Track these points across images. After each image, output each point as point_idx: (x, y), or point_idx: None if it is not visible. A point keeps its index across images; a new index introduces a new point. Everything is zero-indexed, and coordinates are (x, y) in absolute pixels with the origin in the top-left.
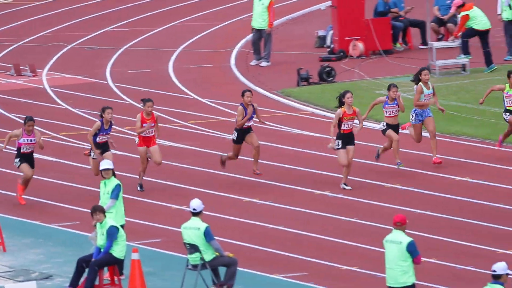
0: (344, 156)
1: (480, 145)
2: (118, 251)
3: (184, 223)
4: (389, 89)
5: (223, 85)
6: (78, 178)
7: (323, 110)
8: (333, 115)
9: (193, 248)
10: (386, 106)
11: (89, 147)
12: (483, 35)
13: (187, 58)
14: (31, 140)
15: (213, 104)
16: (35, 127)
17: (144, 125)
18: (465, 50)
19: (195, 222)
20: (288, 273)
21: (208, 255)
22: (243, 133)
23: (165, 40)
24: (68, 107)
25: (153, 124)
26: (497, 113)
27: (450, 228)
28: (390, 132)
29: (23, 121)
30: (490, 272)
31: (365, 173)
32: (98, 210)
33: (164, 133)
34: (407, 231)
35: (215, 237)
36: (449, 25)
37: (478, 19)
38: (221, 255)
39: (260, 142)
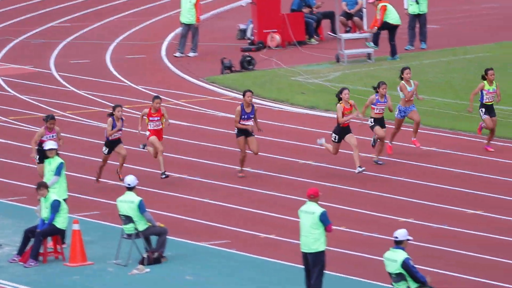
0: (336, 149)
1: (388, 125)
2: (60, 222)
3: (119, 197)
4: (378, 86)
5: (155, 73)
6: (25, 157)
7: None
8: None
9: (128, 219)
10: (378, 103)
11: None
12: (393, 29)
13: (122, 50)
14: (52, 136)
15: (146, 90)
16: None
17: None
18: (375, 40)
19: (130, 196)
20: (213, 241)
21: (141, 226)
22: (243, 131)
23: (103, 34)
24: (17, 94)
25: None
26: (398, 97)
27: (357, 198)
28: (377, 129)
29: (44, 120)
30: (393, 238)
31: (284, 152)
32: (42, 186)
33: (96, 117)
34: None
35: (147, 210)
36: (355, 18)
37: (392, 14)
38: (153, 225)
39: (189, 124)
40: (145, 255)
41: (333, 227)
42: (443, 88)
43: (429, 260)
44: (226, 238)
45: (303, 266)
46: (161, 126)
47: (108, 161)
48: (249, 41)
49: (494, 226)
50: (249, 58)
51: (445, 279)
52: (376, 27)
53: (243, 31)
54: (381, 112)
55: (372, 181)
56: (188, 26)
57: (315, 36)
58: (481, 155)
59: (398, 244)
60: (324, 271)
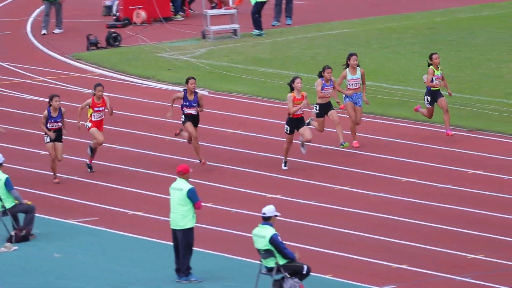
0: (290, 140)
1: (249, 101)
2: None
3: None
4: (323, 70)
5: (20, 50)
6: None
7: (110, 72)
8: (119, 76)
9: None
10: (324, 87)
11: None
12: (262, 5)
13: None
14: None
15: (11, 68)
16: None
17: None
18: (258, 25)
19: None
20: (81, 218)
21: (9, 203)
22: (188, 117)
23: None
24: None
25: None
26: (265, 73)
27: (225, 175)
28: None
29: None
30: (261, 215)
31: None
32: None
33: None
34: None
35: (14, 187)
36: None
37: None
38: (20, 203)
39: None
40: (12, 233)
41: (203, 204)
42: (308, 64)
43: (297, 236)
44: (94, 216)
45: (172, 243)
46: (104, 117)
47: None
48: (114, 17)
49: (364, 201)
50: (115, 35)
51: (313, 255)
52: (252, 12)
53: (109, 8)
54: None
55: (242, 159)
56: (50, 3)
57: (181, 13)
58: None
59: (266, 220)
60: (192, 248)
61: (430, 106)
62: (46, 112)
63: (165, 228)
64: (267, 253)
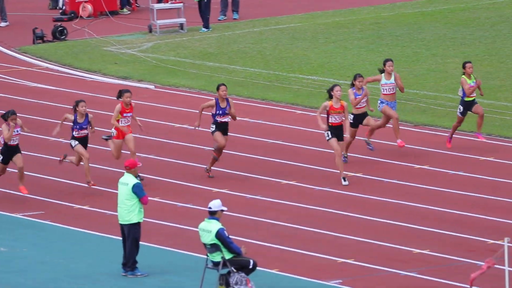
0: (336, 144)
1: (196, 95)
2: None
3: None
4: (354, 79)
5: None
6: None
7: (56, 65)
8: (65, 69)
9: None
10: (356, 97)
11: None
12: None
13: None
14: (17, 131)
15: None
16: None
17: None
18: (206, 24)
19: None
20: (27, 212)
21: None
22: (220, 126)
23: None
24: None
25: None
26: (212, 67)
27: (172, 169)
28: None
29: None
30: (207, 209)
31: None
32: None
33: None
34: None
35: None
36: None
37: None
38: None
39: (6, 95)
40: None
41: (149, 198)
42: (255, 58)
43: (244, 230)
44: (39, 209)
45: (121, 238)
46: (129, 123)
47: None
48: (61, 11)
49: (304, 195)
50: (61, 28)
51: (260, 249)
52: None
53: (55, 1)
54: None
55: (185, 152)
56: None
57: (127, 6)
58: (286, 124)
59: (213, 214)
60: (139, 242)
61: (461, 116)
62: (71, 116)
63: (112, 222)
64: (214, 248)
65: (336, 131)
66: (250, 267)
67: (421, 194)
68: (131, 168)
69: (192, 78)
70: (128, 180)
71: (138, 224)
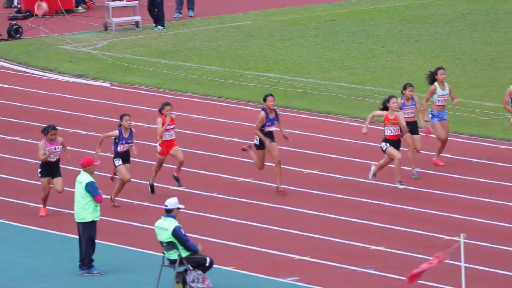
0: (394, 151)
1: (152, 93)
2: None
3: None
4: (404, 88)
5: None
6: None
7: (12, 64)
8: (20, 68)
9: None
10: (404, 107)
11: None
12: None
13: None
14: (55, 149)
15: None
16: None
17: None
18: (161, 21)
19: None
20: None
21: None
22: (265, 135)
23: None
24: None
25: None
26: (167, 65)
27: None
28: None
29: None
30: (163, 207)
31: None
32: None
33: None
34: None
35: None
36: None
37: None
38: None
39: None
40: None
41: (105, 197)
42: (211, 56)
43: (200, 228)
44: None
45: (78, 236)
46: (174, 136)
47: None
48: (16, 9)
49: (260, 192)
50: (16, 27)
51: (216, 247)
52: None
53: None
54: (409, 115)
55: (140, 150)
56: None
57: (82, 4)
58: (242, 121)
59: (169, 212)
60: (94, 241)
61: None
62: (117, 132)
63: (69, 221)
64: (170, 246)
65: (393, 145)
66: (207, 264)
67: (379, 190)
68: (86, 166)
69: (147, 76)
70: (82, 179)
71: (93, 223)
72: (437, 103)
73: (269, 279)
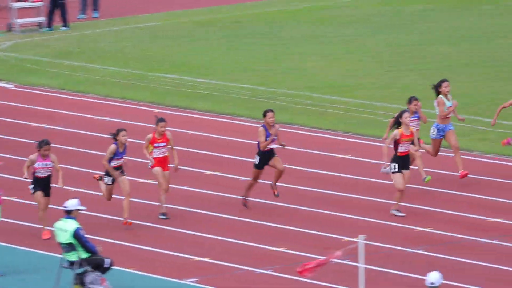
0: (400, 180)
1: (55, 94)
2: None
3: None
4: (410, 102)
5: None
6: None
7: None
8: None
9: None
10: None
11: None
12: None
13: None
14: (46, 164)
15: None
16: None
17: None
18: (50, 22)
19: None
20: None
21: None
22: (265, 157)
23: None
24: None
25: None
26: (71, 66)
27: None
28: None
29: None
30: (63, 208)
31: None
32: None
33: None
34: None
35: None
36: None
37: None
38: None
39: None
40: None
41: (6, 198)
42: (115, 57)
43: (100, 229)
44: None
45: None
46: (166, 154)
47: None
48: None
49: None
50: None
51: (117, 248)
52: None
53: None
54: (415, 128)
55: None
56: None
57: None
58: (144, 123)
59: (69, 214)
60: None
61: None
62: (114, 146)
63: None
64: (69, 247)
65: (404, 161)
66: (106, 266)
67: (281, 192)
68: None
69: (51, 77)
70: None
71: None
72: (442, 117)
73: (169, 280)
